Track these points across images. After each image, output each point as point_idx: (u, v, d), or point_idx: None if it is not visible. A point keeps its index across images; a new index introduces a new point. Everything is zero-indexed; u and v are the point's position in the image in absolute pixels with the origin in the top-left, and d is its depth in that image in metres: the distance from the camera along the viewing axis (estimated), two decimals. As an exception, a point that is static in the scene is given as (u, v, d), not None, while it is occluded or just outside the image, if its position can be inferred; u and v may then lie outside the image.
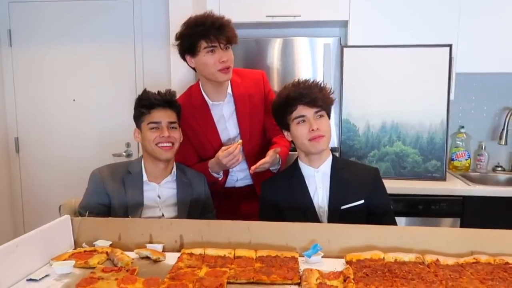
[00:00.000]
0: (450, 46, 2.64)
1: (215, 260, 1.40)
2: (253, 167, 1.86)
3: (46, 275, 1.35)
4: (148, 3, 3.27)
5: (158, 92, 1.87)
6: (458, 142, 3.08)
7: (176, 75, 2.47)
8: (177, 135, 1.87)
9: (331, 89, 1.79)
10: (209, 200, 2.05)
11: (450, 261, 1.34)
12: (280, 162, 1.97)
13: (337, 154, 2.62)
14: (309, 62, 2.64)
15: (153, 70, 3.27)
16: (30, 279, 1.32)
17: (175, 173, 1.95)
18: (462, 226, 2.51)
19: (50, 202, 3.21)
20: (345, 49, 2.70)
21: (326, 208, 1.76)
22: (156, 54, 3.21)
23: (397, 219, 2.51)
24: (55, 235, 1.53)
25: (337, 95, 2.62)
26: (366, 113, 2.69)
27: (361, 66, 2.69)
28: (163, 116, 1.83)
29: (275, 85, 2.63)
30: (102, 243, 1.56)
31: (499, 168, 3.09)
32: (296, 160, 1.85)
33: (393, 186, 2.50)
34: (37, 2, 3.38)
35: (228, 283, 1.27)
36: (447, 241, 1.43)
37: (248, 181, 2.14)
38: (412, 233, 1.47)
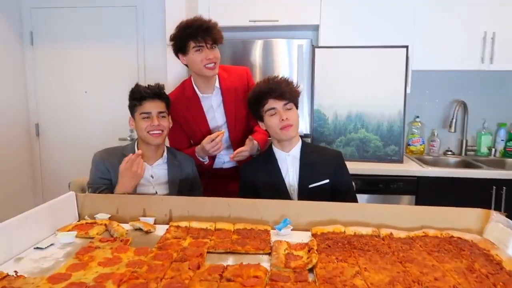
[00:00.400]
0: (406, 47, 2.58)
1: (198, 232, 1.35)
2: (231, 155, 1.82)
3: (51, 244, 1.30)
4: (148, 9, 3.18)
5: (148, 85, 1.78)
6: (414, 130, 3.02)
7: (172, 70, 2.42)
8: (165, 123, 1.79)
9: (297, 83, 1.74)
10: (197, 179, 1.97)
11: (402, 234, 1.28)
12: (259, 149, 1.91)
13: (309, 140, 2.57)
14: (286, 60, 2.57)
15: (152, 67, 3.20)
16: (37, 248, 1.27)
17: (166, 156, 1.87)
18: (416, 202, 2.47)
19: (66, 179, 3.10)
20: (316, 50, 2.63)
21: (296, 186, 1.71)
22: (155, 53, 3.14)
23: (360, 196, 2.50)
24: (61, 209, 1.48)
25: (308, 88, 2.57)
26: (334, 104, 2.64)
27: (330, 63, 2.63)
28: (153, 107, 1.75)
29: (258, 80, 2.52)
30: (101, 216, 1.51)
31: (450, 152, 3.05)
32: (271, 145, 1.80)
33: (357, 167, 2.47)
34: (55, 8, 3.28)
35: (208, 252, 1.21)
36: (400, 216, 1.37)
37: (233, 164, 2.06)
38: (370, 210, 1.41)
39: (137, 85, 1.80)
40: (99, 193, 1.72)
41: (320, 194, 1.65)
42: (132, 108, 1.80)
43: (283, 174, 1.73)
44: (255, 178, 1.74)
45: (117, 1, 3.20)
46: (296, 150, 1.74)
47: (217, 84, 1.95)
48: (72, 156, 3.32)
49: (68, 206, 1.51)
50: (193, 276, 1.02)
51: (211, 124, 1.98)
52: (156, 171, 1.84)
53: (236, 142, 2.00)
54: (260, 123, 1.77)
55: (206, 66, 1.81)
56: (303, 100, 2.54)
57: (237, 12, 2.74)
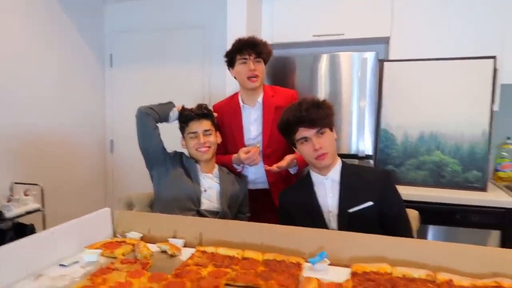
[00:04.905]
0: (494, 58, 2.20)
1: (223, 260, 1.21)
2: (267, 167, 1.83)
3: (76, 262, 1.26)
4: (215, 30, 3.17)
5: (192, 108, 1.90)
6: (504, 153, 2.57)
7: (230, 88, 2.35)
8: (212, 139, 1.87)
9: (329, 104, 1.54)
10: (246, 201, 1.96)
11: (466, 282, 1.01)
12: (296, 165, 1.87)
13: (371, 162, 2.31)
14: (351, 75, 2.34)
15: (216, 85, 3.18)
16: (61, 264, 1.23)
17: (217, 170, 1.92)
18: (502, 240, 2.05)
19: (133, 187, 3.25)
20: (385, 63, 2.36)
21: (336, 212, 1.50)
22: (219, 72, 3.08)
23: (433, 228, 2.19)
24: (96, 225, 1.46)
25: (372, 105, 2.31)
26: (405, 123, 2.32)
27: (401, 79, 2.33)
28: (198, 126, 1.85)
29: (323, 91, 2.41)
30: (133, 235, 1.46)
31: (550, 181, 2.54)
32: (309, 170, 1.63)
33: (430, 194, 2.15)
34: (132, 32, 3.45)
35: (226, 285, 1.07)
36: (467, 258, 1.10)
37: (262, 185, 2.01)
38: (428, 247, 1.15)
39: (183, 109, 1.91)
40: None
41: (363, 220, 1.45)
42: (181, 129, 1.91)
43: (321, 200, 1.54)
44: (292, 204, 1.58)
45: (186, 23, 3.27)
46: (335, 172, 1.55)
47: (259, 99, 1.99)
48: (142, 172, 3.38)
49: (103, 222, 1.49)
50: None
51: (245, 135, 2.00)
52: (208, 185, 1.87)
53: (268, 160, 1.92)
54: (295, 149, 1.62)
55: (249, 77, 1.90)
56: (365, 117, 2.30)
57: (301, 28, 2.63)
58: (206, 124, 1.86)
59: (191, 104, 1.95)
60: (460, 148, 2.24)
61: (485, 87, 2.21)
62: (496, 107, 2.26)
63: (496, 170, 2.57)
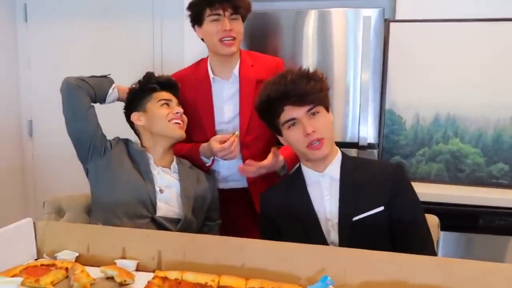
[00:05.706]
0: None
1: (192, 290, 1.15)
2: (240, 165, 1.78)
3: (-16, 297, 1.15)
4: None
5: (160, 76, 1.89)
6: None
7: (189, 51, 2.27)
8: (185, 116, 1.83)
9: (323, 75, 1.50)
10: (217, 204, 1.91)
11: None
12: (285, 167, 1.80)
13: (375, 152, 2.31)
14: (347, 38, 2.30)
15: (170, 47, 3.06)
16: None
17: (175, 163, 1.85)
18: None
19: (64, 189, 3.06)
20: (391, 24, 2.34)
21: (336, 220, 1.47)
22: (174, 30, 2.98)
23: (451, 234, 2.22)
24: (14, 242, 1.37)
25: (376, 79, 2.29)
26: (416, 103, 2.34)
27: (411, 45, 2.33)
28: (171, 96, 1.83)
29: (310, 59, 2.36)
30: (66, 255, 1.39)
31: None
32: (299, 164, 1.59)
33: (445, 193, 2.19)
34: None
35: (200, 326, 1.01)
36: (509, 282, 1.09)
37: (239, 183, 1.97)
38: (462, 268, 1.14)
39: (150, 73, 1.87)
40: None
41: (372, 230, 1.42)
42: (144, 97, 1.82)
43: (317, 204, 1.50)
44: (278, 209, 1.53)
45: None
46: (334, 168, 1.51)
47: (235, 70, 1.93)
48: (72, 160, 3.24)
49: (23, 238, 1.41)
50: None
51: (217, 117, 1.94)
52: (165, 183, 1.77)
53: (247, 151, 1.90)
54: (280, 138, 1.57)
55: (222, 40, 1.82)
56: (369, 95, 2.27)
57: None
58: (176, 98, 1.85)
59: (136, 76, 1.87)
60: (484, 135, 2.28)
61: (516, 59, 2.25)
62: (530, 85, 2.30)
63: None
